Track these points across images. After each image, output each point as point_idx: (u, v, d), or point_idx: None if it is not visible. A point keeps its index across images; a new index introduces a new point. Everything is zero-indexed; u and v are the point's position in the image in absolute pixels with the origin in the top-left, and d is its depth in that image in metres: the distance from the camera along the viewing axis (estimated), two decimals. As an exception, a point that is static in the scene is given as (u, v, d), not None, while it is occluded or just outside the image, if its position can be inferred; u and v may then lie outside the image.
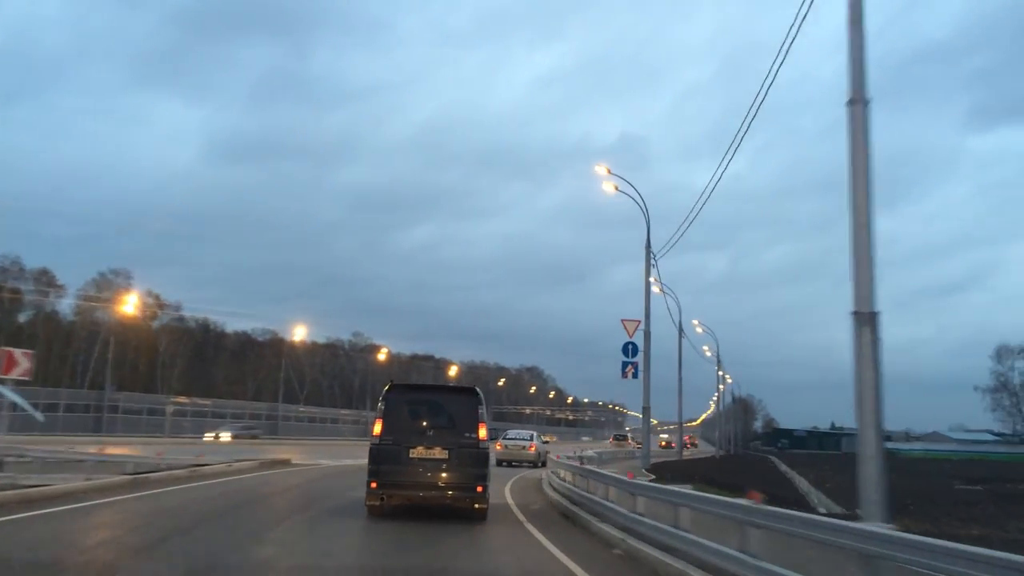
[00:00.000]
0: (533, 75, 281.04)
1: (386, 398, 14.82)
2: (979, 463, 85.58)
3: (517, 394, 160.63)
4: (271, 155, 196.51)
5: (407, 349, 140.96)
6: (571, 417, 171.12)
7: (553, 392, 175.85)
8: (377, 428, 14.57)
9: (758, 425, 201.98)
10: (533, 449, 38.14)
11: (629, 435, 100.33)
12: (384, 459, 14.36)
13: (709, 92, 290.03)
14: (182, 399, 65.10)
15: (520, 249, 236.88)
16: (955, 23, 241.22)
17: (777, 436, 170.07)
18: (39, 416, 47.99)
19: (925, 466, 67.76)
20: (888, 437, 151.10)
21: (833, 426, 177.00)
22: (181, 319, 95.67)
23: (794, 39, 12.85)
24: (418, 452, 14.40)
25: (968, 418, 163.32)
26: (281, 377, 74.93)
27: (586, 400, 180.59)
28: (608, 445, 76.86)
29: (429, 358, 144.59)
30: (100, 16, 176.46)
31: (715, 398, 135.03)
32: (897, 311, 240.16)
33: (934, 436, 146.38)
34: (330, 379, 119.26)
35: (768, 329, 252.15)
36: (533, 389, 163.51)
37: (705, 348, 77.55)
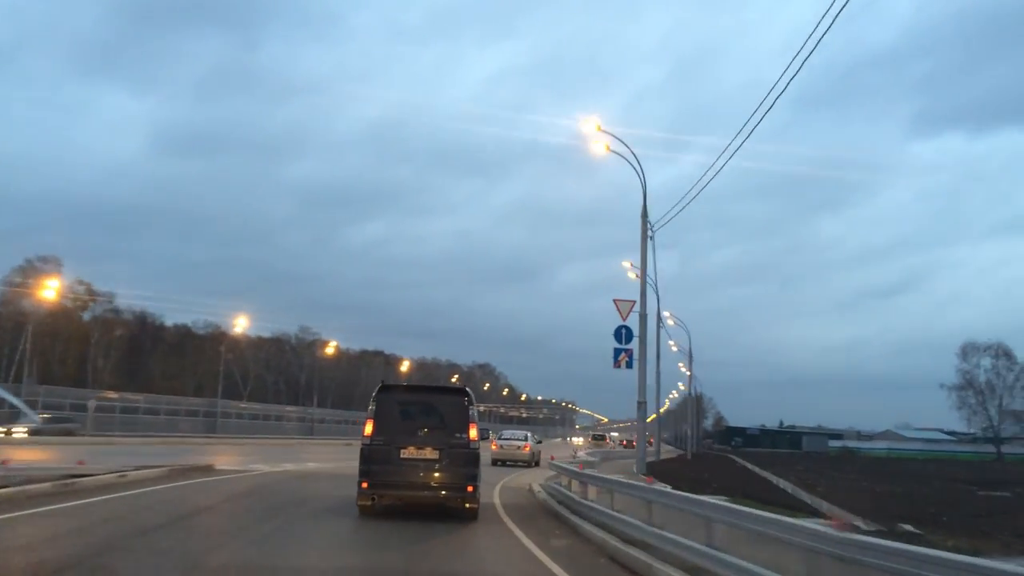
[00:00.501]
0: (486, 73, 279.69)
1: (377, 398, 14.78)
2: (953, 463, 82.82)
3: (472, 390, 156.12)
4: (219, 148, 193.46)
5: (357, 345, 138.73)
6: (524, 415, 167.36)
7: (506, 389, 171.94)
8: (368, 428, 14.50)
9: (708, 423, 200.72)
10: (527, 449, 38.52)
11: (607, 434, 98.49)
12: (375, 459, 14.30)
13: (661, 93, 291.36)
14: (111, 394, 59.45)
15: (472, 247, 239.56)
16: (900, 31, 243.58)
17: (730, 434, 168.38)
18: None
19: (908, 467, 64.53)
20: (839, 435, 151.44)
21: (782, 424, 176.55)
22: (116, 310, 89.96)
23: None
24: (409, 452, 14.36)
25: (912, 416, 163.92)
26: (220, 371, 69.29)
27: (539, 398, 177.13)
28: (581, 444, 73.97)
29: (379, 354, 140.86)
30: (41, 4, 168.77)
31: (673, 395, 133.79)
32: (840, 312, 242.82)
33: (888, 434, 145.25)
34: (276, 375, 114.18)
35: (716, 329, 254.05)
36: (486, 386, 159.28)
37: (671, 343, 74.63)
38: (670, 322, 64.45)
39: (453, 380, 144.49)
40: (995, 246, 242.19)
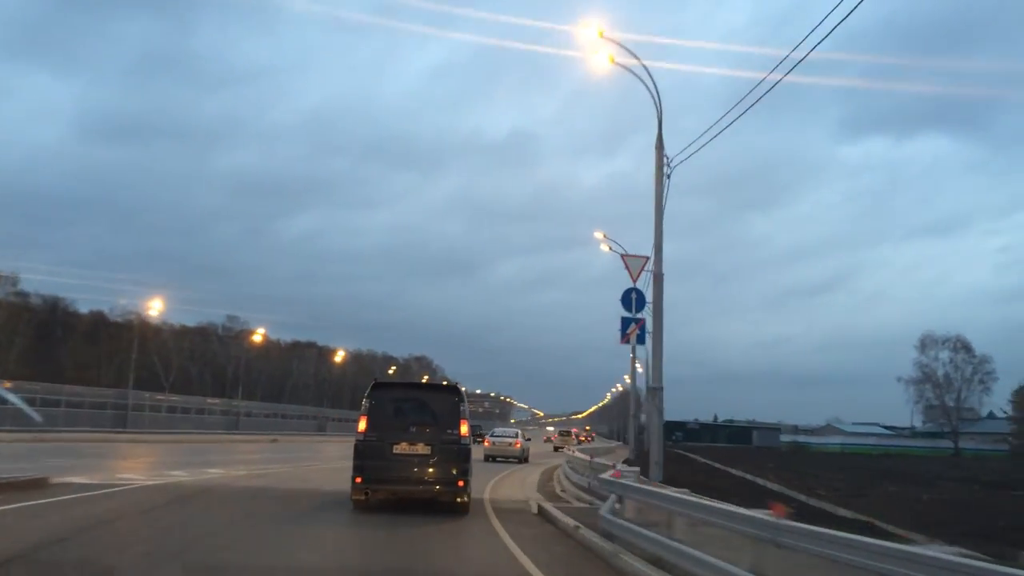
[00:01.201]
0: (425, 66, 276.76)
1: (371, 396, 15.15)
2: (917, 459, 79.07)
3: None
4: (149, 136, 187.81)
5: (290, 338, 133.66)
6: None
7: (444, 382, 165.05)
8: (362, 425, 14.85)
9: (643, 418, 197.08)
10: (518, 446, 40.05)
11: (573, 431, 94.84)
12: (369, 455, 14.57)
13: (599, 92, 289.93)
14: (7, 384, 51.85)
15: (409, 240, 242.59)
16: (829, 38, 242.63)
17: (670, 429, 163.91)
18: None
19: (886, 464, 60.12)
20: (778, 429, 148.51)
21: (716, 419, 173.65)
22: (22, 294, 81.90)
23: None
24: (401, 448, 14.67)
25: (841, 411, 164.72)
26: (133, 358, 61.90)
27: (478, 391, 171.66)
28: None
29: (311, 345, 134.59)
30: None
31: (618, 389, 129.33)
32: (769, 309, 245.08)
33: (829, 429, 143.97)
34: (201, 366, 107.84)
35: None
36: (425, 379, 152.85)
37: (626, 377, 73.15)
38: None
39: (390, 372, 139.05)
40: (915, 247, 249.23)
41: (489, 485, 22.20)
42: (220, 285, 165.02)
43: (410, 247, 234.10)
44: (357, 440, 14.75)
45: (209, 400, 77.83)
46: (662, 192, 19.60)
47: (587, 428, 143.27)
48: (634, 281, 19.55)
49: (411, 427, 14.89)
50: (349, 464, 14.71)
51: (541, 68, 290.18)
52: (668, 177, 19.53)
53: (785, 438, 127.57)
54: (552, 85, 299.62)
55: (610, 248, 36.70)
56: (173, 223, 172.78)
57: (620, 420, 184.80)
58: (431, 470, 14.65)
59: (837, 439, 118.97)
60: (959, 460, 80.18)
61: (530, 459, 41.37)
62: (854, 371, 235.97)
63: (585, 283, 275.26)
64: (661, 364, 19.11)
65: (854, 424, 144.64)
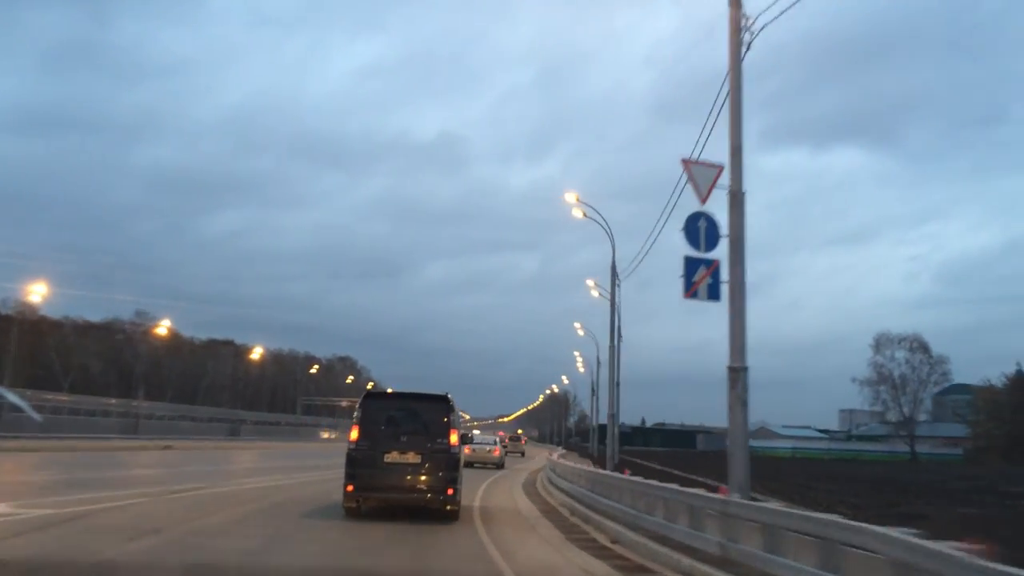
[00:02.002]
0: (353, 65, 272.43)
1: (362, 405, 15.57)
2: (879, 464, 73.65)
3: (329, 385, 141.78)
4: (62, 128, 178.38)
5: (207, 335, 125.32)
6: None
7: (371, 384, 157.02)
8: (354, 434, 15.04)
9: (572, 420, 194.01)
10: (497, 453, 41.44)
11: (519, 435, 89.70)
12: (360, 463, 14.73)
13: (528, 96, 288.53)
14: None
15: (334, 241, 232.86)
16: (751, 49, 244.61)
17: (602, 432, 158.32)
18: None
19: (868, 470, 54.22)
20: (700, 431, 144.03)
21: (644, 422, 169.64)
22: None
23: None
24: (392, 456, 14.83)
25: (765, 414, 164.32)
26: (12, 355, 52.77)
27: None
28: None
29: (229, 343, 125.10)
30: None
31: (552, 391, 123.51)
32: (691, 314, 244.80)
33: (764, 432, 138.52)
34: (105, 364, 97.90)
35: (572, 329, 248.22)
36: (350, 379, 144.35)
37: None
38: (580, 334, 60.35)
39: (312, 371, 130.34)
40: (830, 256, 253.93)
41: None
42: (137, 283, 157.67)
43: (336, 247, 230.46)
44: (349, 449, 14.98)
45: (107, 401, 68.89)
46: (739, 65, 12.49)
47: (519, 431, 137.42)
48: (703, 200, 12.35)
49: (402, 436, 15.12)
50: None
51: (470, 70, 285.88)
52: (746, 46, 12.41)
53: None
54: (481, 88, 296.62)
55: (584, 213, 30.25)
56: (87, 218, 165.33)
57: (552, 423, 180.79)
58: (421, 478, 14.85)
59: (779, 443, 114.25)
60: (922, 464, 75.22)
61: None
62: (774, 375, 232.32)
63: (512, 287, 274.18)
64: (744, 332, 12.00)
65: (784, 427, 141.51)
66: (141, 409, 67.35)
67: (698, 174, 12.34)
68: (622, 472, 20.32)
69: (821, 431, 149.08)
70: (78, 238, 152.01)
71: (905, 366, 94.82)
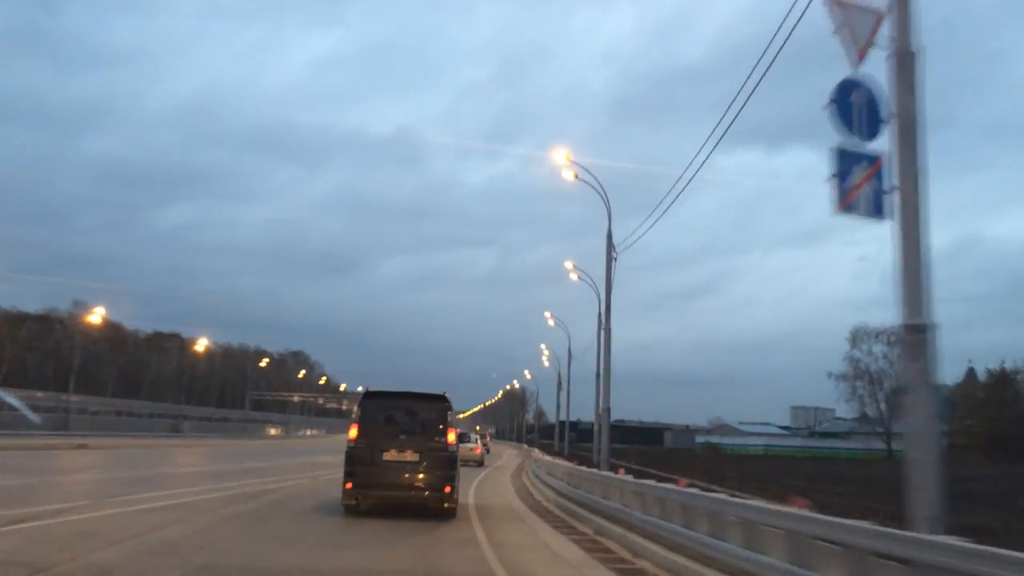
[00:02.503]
0: (310, 58, 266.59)
1: (362, 404, 15.62)
2: (858, 462, 69.78)
3: (281, 380, 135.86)
4: (6, 116, 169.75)
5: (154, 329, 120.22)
6: (345, 407, 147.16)
7: (324, 378, 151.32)
8: (353, 432, 15.14)
9: (529, 416, 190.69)
10: (479, 451, 44.23)
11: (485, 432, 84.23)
12: (359, 461, 14.84)
13: (487, 92, 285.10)
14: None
15: (289, 236, 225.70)
16: (707, 49, 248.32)
17: (564, 428, 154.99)
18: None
19: (865, 470, 50.13)
20: (667, 428, 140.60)
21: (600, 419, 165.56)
22: None
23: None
24: (391, 455, 14.91)
25: (720, 411, 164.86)
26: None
27: (360, 388, 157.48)
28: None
29: (174, 336, 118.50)
30: None
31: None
32: (645, 312, 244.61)
33: (725, 429, 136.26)
34: (41, 357, 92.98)
35: (528, 326, 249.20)
36: (301, 373, 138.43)
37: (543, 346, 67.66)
38: (551, 323, 57.39)
39: (262, 365, 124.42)
40: (783, 256, 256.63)
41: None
42: (82, 276, 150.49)
43: (291, 242, 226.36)
44: (348, 447, 15.05)
45: (34, 394, 62.79)
46: None
47: (476, 428, 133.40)
48: (860, 59, 7.52)
49: (400, 434, 15.25)
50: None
51: (428, 65, 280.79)
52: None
53: (699, 440, 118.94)
54: (439, 83, 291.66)
55: (576, 175, 25.50)
56: (32, 209, 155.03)
57: (509, 420, 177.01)
58: (419, 476, 14.89)
59: (747, 440, 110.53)
60: (894, 462, 71.49)
61: None
62: (727, 373, 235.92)
63: (468, 283, 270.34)
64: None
65: (743, 423, 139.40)
66: (72, 404, 61.65)
67: (853, 19, 7.53)
68: (616, 472, 19.42)
69: (782, 427, 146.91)
70: (21, 229, 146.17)
71: (882, 360, 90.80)
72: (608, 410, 26.06)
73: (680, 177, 18.14)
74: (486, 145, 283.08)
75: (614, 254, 26.16)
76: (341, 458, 15.54)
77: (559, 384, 74.81)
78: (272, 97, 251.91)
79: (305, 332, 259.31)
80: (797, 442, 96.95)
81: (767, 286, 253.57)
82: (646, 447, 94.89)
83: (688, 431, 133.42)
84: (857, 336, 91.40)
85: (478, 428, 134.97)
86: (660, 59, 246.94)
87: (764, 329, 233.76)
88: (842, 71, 7.98)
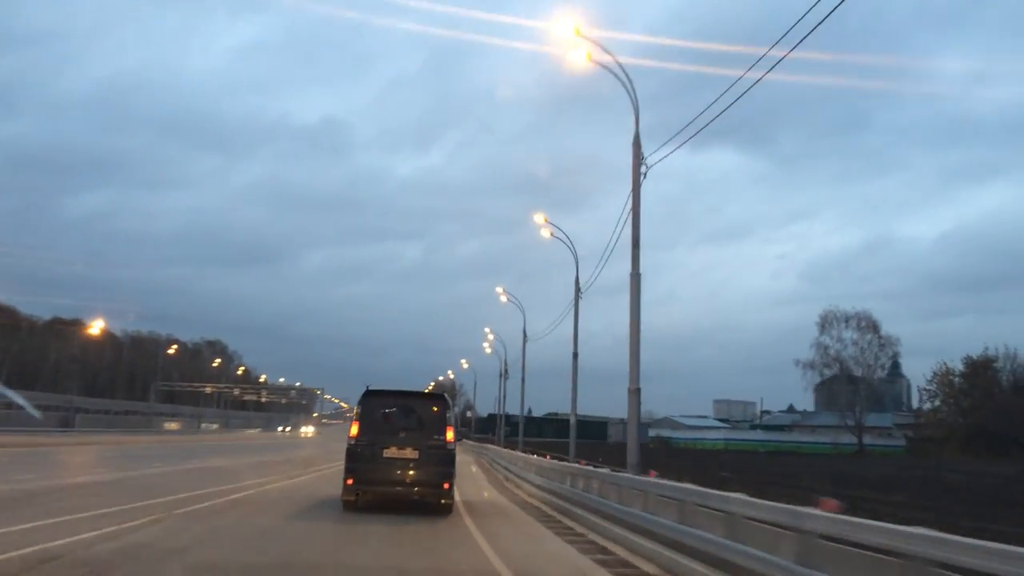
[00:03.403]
0: (234, 44, 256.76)
1: (362, 402, 15.80)
2: (841, 459, 62.70)
3: (196, 370, 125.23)
4: None
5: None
6: (264, 399, 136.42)
7: (242, 368, 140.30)
8: (354, 430, 15.42)
9: (457, 410, 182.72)
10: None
11: None
12: (360, 458, 15.12)
13: (415, 84, 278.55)
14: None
15: (210, 225, 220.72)
16: (634, 49, 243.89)
17: (492, 423, 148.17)
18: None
19: (848, 467, 43.11)
20: (606, 421, 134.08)
21: (531, 411, 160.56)
22: None
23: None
24: (391, 452, 15.15)
25: (649, 405, 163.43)
26: None
27: (281, 380, 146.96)
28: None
29: (75, 322, 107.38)
30: None
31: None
32: (569, 307, 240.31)
33: (668, 422, 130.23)
34: None
35: (457, 320, 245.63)
36: (216, 362, 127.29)
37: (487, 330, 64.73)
38: (503, 298, 51.18)
39: (170, 352, 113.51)
40: (705, 252, 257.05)
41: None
42: None
43: (212, 232, 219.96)
44: (349, 444, 15.27)
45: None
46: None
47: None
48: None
49: (400, 432, 15.47)
50: None
51: (356, 55, 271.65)
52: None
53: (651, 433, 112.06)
54: (367, 73, 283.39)
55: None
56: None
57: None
58: (418, 473, 15.09)
59: (692, 435, 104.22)
60: (890, 459, 64.73)
61: None
62: (652, 367, 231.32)
63: (395, 276, 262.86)
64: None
65: (683, 417, 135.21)
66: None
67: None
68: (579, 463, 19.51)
69: (720, 420, 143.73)
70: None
71: (853, 347, 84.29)
72: (638, 391, 17.45)
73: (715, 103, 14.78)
74: (415, 137, 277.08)
75: (643, 167, 17.70)
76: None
77: (503, 372, 66.57)
78: (194, 83, 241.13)
79: (226, 324, 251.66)
80: (758, 435, 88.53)
81: (690, 282, 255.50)
82: (593, 442, 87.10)
83: (640, 424, 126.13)
84: (827, 321, 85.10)
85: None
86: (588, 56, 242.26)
87: (687, 324, 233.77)
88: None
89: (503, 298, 50.69)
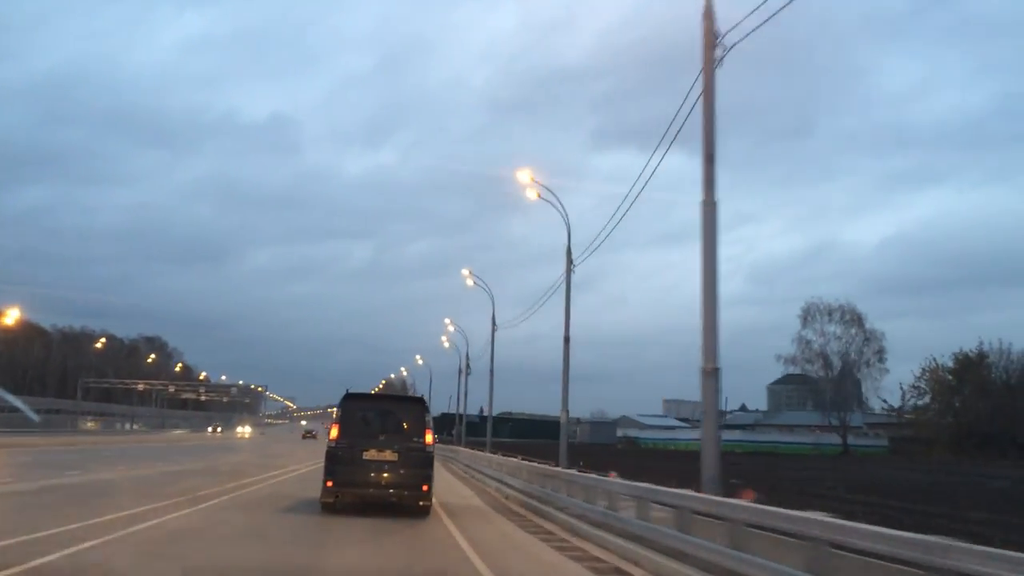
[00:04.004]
0: (180, 38, 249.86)
1: (343, 406, 15.61)
2: (831, 460, 57.31)
3: (132, 367, 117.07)
4: None
5: None
6: (204, 397, 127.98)
7: (179, 365, 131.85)
8: (334, 433, 15.23)
9: None
10: None
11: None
12: (340, 460, 14.87)
13: (367, 83, 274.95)
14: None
15: (153, 222, 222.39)
16: (586, 52, 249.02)
17: (445, 422, 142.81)
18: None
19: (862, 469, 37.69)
20: (611, 422, 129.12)
21: (481, 411, 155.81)
22: None
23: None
24: (370, 454, 14.99)
25: (603, 405, 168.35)
26: None
27: (223, 378, 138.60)
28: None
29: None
30: None
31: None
32: (523, 306, 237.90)
33: (629, 422, 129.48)
34: None
35: (410, 319, 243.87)
36: (150, 358, 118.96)
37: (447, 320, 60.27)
38: (469, 281, 46.36)
39: (97, 345, 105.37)
40: (654, 255, 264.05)
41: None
42: None
43: (155, 229, 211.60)
44: (329, 447, 15.05)
45: None
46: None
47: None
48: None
49: (380, 435, 15.29)
50: None
51: (307, 52, 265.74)
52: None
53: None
54: (317, 71, 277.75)
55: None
56: None
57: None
58: (397, 475, 14.91)
59: (667, 435, 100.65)
60: (884, 459, 59.60)
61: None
62: (602, 367, 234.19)
63: (344, 276, 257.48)
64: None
65: (642, 416, 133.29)
66: None
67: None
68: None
69: (680, 420, 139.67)
70: None
71: (837, 342, 78.39)
72: (716, 372, 11.68)
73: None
74: (366, 136, 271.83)
75: (718, 47, 11.77)
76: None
77: (464, 368, 60.44)
78: (138, 77, 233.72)
79: (169, 321, 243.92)
80: (735, 436, 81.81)
81: (639, 284, 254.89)
82: (552, 441, 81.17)
83: (604, 423, 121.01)
84: (809, 314, 79.25)
85: (307, 424, 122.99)
86: (541, 58, 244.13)
87: (636, 326, 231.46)
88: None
89: (469, 282, 45.36)
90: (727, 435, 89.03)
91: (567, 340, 25.67)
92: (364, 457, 14.76)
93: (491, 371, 47.23)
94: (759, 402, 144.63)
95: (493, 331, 44.94)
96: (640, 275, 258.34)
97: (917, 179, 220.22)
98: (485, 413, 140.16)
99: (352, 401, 15.75)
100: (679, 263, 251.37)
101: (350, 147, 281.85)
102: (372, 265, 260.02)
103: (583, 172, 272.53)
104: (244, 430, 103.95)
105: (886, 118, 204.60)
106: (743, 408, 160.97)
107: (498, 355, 44.69)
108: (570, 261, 25.87)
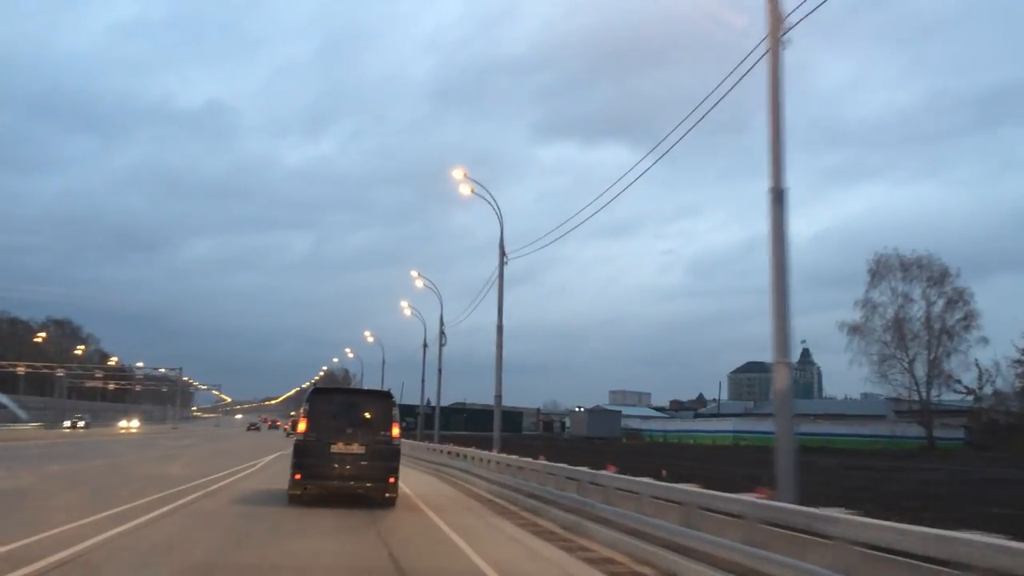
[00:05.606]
0: (112, 21, 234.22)
1: (310, 399, 15.85)
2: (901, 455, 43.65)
3: (41, 352, 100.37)
4: None
5: None
6: (112, 386, 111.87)
7: (82, 348, 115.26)
8: (302, 426, 15.18)
9: None
10: None
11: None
12: (308, 453, 14.90)
13: (306, 72, 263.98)
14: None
15: (82, 210, 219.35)
16: (528, 43, 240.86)
17: (403, 414, 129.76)
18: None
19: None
20: (520, 413, 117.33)
21: (429, 402, 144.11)
22: None
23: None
24: (338, 447, 14.98)
25: (554, 395, 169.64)
26: None
27: (159, 369, 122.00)
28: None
29: None
30: None
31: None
32: (467, 298, 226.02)
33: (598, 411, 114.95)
34: None
35: (348, 309, 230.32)
36: (41, 336, 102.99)
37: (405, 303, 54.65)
38: (419, 283, 46.41)
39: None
40: (597, 247, 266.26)
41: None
42: None
43: (84, 218, 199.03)
44: (297, 440, 15.11)
45: None
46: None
47: (292, 414, 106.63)
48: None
49: (347, 428, 15.21)
50: None
51: (245, 38, 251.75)
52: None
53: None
54: (255, 58, 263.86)
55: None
56: None
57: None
58: (364, 468, 14.94)
59: (663, 426, 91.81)
60: (971, 458, 44.62)
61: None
62: (546, 358, 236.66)
63: (283, 267, 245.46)
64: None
65: (623, 407, 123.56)
66: None
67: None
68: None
69: (657, 409, 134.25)
70: None
71: (915, 305, 60.81)
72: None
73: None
74: (305, 124, 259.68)
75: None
76: None
77: (424, 359, 54.20)
78: (67, 61, 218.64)
79: (99, 313, 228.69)
80: (765, 427, 61.41)
81: (582, 277, 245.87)
82: (508, 434, 66.55)
83: (608, 412, 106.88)
84: (880, 268, 61.30)
85: (293, 414, 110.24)
86: (483, 49, 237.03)
87: (579, 317, 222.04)
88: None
89: (419, 282, 45.52)
90: (755, 426, 71.00)
91: (500, 329, 27.09)
92: (332, 450, 14.84)
93: (439, 370, 45.71)
94: (714, 392, 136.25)
95: (441, 332, 43.34)
96: (582, 267, 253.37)
97: (850, 174, 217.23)
98: (429, 404, 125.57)
99: (320, 395, 16.45)
100: (620, 255, 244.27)
101: (289, 136, 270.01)
102: (312, 256, 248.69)
103: (525, 163, 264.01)
104: (130, 424, 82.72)
105: (821, 114, 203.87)
106: (699, 398, 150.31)
107: (451, 346, 43.36)
108: (503, 254, 27.33)
